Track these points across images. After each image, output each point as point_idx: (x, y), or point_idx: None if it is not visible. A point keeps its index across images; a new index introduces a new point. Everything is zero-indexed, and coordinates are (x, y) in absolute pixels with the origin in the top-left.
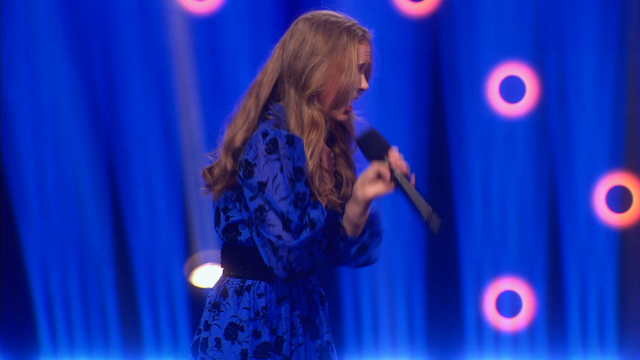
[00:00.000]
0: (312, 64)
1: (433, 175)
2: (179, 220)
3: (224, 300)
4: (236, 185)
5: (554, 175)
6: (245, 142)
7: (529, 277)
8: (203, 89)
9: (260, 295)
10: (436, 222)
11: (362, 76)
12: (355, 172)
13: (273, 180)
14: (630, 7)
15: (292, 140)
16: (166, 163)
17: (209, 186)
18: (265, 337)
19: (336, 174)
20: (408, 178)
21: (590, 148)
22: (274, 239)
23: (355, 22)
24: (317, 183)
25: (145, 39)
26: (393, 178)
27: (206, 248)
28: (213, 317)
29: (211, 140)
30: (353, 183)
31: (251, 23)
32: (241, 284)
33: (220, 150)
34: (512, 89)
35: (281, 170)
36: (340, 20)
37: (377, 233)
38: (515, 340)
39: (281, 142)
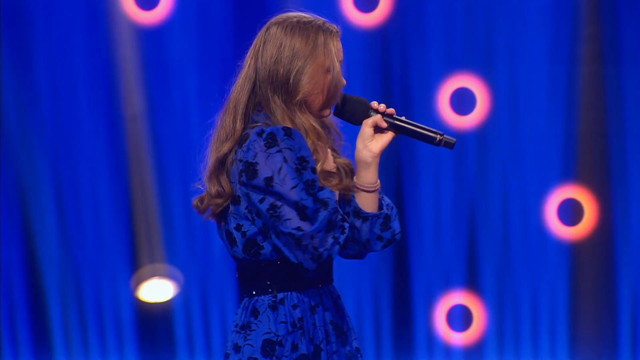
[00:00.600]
0: (296, 68)
1: (384, 186)
2: (125, 234)
3: (255, 319)
4: (239, 199)
5: (506, 188)
6: (231, 150)
7: (479, 290)
8: (151, 100)
9: (294, 307)
10: (450, 140)
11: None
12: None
13: (279, 172)
14: (582, 19)
15: (290, 132)
16: (113, 175)
17: (206, 214)
18: (303, 348)
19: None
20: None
21: (542, 160)
22: (294, 232)
23: (325, 19)
24: (323, 183)
25: (92, 50)
26: (389, 123)
27: (153, 262)
28: (244, 337)
29: (158, 153)
30: (350, 170)
31: (199, 33)
32: (273, 299)
33: (207, 177)
34: (462, 101)
35: (285, 161)
36: (312, 19)
37: (392, 205)
38: (466, 354)
39: (279, 135)
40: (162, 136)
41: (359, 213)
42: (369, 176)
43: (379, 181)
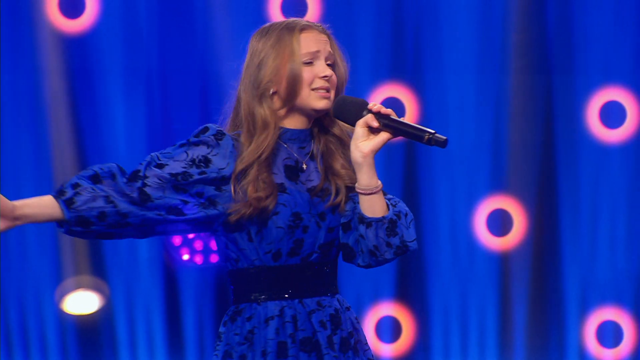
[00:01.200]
0: (258, 63)
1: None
2: (50, 245)
3: (223, 329)
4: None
5: (435, 198)
6: None
7: (408, 302)
8: (75, 110)
9: (248, 319)
10: (440, 139)
11: (322, 62)
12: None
13: (170, 149)
14: (511, 27)
15: (221, 135)
16: (37, 187)
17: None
18: None
19: (325, 186)
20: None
21: (471, 171)
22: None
23: (297, 19)
24: (249, 186)
25: (14, 59)
26: (382, 123)
27: (78, 274)
28: (215, 347)
29: (83, 163)
30: (346, 194)
31: (125, 42)
32: (235, 310)
33: None
34: (393, 110)
35: (187, 149)
36: (281, 21)
37: (405, 211)
38: None
39: (209, 132)
40: (87, 145)
41: (362, 219)
42: (363, 178)
43: (379, 183)
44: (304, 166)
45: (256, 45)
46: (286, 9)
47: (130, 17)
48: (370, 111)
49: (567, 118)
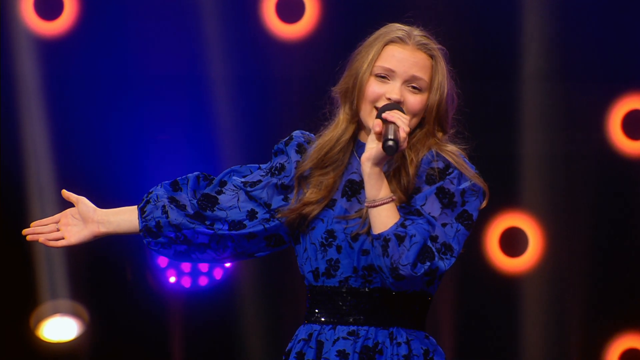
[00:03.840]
0: (350, 61)
1: None
2: (21, 266)
3: None
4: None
5: None
6: None
7: None
8: (52, 120)
9: (294, 337)
10: (390, 147)
11: (396, 84)
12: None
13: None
14: (525, 32)
15: (289, 140)
16: (11, 201)
17: None
18: None
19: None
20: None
21: None
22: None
23: (407, 28)
24: (309, 187)
25: None
26: (384, 124)
27: (55, 298)
28: None
29: (63, 175)
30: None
31: (107, 46)
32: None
33: None
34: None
35: (272, 159)
36: (392, 24)
37: (413, 233)
38: None
39: (287, 139)
40: (65, 159)
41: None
42: (366, 188)
43: (380, 196)
44: None
45: (362, 43)
46: (281, 11)
47: (113, 19)
48: (380, 116)
49: (586, 127)
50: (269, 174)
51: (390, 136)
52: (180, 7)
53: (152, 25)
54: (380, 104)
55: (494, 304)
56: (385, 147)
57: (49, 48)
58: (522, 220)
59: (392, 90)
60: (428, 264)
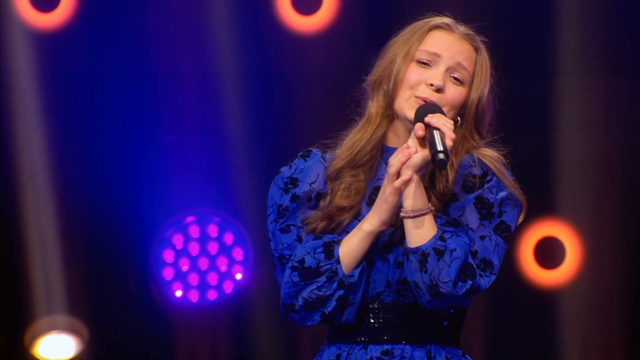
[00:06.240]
0: (383, 52)
1: None
2: (17, 280)
3: None
4: None
5: None
6: None
7: None
8: (49, 117)
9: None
10: (436, 158)
11: (439, 70)
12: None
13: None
14: (562, 26)
15: (307, 152)
16: (4, 207)
17: None
18: None
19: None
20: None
21: None
22: None
23: (449, 19)
24: (339, 191)
25: None
26: (427, 129)
27: (51, 313)
28: None
29: (59, 179)
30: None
31: (107, 39)
32: (322, 348)
33: None
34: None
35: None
36: (433, 15)
37: (452, 248)
38: None
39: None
40: (62, 156)
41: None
42: (404, 197)
43: (418, 206)
44: None
45: (397, 34)
46: (297, 2)
47: (113, 10)
48: (421, 119)
49: (629, 128)
50: (284, 194)
51: (440, 147)
52: None
53: (156, 17)
54: (419, 93)
55: (529, 320)
56: (437, 160)
57: (45, 41)
58: (558, 229)
59: (435, 76)
60: (470, 282)
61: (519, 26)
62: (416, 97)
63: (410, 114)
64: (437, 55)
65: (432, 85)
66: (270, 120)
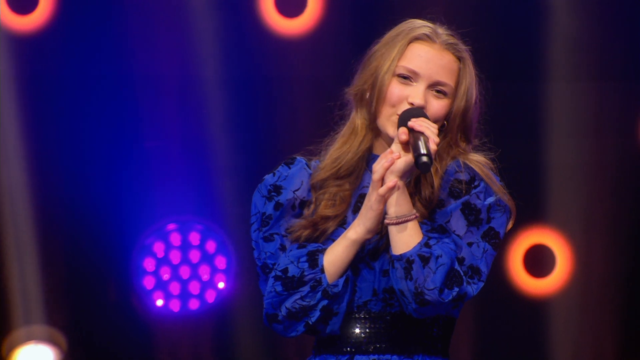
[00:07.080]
0: (365, 61)
1: None
2: None
3: None
4: None
5: None
6: None
7: None
8: (27, 122)
9: None
10: (419, 161)
11: (420, 87)
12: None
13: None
14: (549, 32)
15: (291, 159)
16: None
17: None
18: None
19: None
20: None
21: None
22: None
23: (431, 26)
24: (323, 200)
25: None
26: (411, 133)
27: (29, 323)
28: None
29: (39, 191)
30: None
31: (86, 42)
32: None
33: None
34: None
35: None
36: (414, 20)
37: (437, 255)
38: None
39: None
40: (40, 163)
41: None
42: (388, 203)
43: (403, 212)
44: None
45: (379, 40)
46: (281, 4)
47: (93, 12)
48: (405, 124)
49: (620, 133)
50: (267, 202)
51: (423, 150)
52: None
53: (136, 19)
54: (401, 109)
55: (518, 329)
56: (419, 163)
57: (22, 44)
58: (548, 236)
59: (416, 94)
60: (456, 289)
61: (508, 30)
62: (398, 115)
63: (393, 132)
64: (416, 72)
65: (412, 104)
66: (253, 126)
